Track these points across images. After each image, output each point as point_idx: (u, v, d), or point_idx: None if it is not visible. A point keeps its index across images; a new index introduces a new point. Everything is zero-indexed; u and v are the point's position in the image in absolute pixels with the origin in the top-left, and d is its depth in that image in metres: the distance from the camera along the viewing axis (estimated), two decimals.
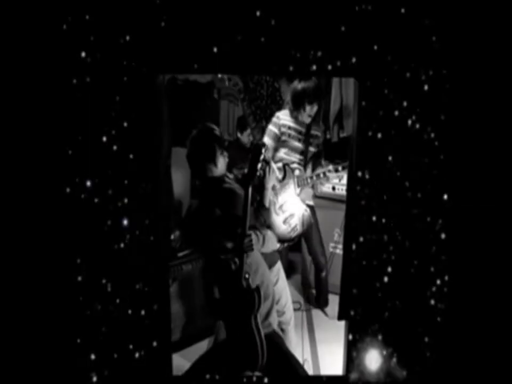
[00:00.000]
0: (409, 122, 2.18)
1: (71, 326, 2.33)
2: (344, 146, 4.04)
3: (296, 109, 3.62)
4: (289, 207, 3.53)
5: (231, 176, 2.94)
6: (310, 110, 3.62)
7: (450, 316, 2.36)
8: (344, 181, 4.15)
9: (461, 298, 2.35)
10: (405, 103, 2.16)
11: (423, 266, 2.33)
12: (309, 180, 3.58)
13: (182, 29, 2.11)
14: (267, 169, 2.78)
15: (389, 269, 2.33)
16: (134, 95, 2.17)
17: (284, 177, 3.57)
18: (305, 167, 3.69)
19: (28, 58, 2.18)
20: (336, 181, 4.22)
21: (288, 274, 4.54)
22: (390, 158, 2.23)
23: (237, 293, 2.56)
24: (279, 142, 3.69)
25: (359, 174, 2.25)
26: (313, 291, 4.34)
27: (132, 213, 2.29)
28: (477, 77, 2.15)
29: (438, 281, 2.34)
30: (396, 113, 2.18)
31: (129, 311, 2.36)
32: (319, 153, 3.77)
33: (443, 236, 2.30)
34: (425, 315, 2.38)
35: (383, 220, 2.30)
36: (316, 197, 4.09)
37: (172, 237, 3.74)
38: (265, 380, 2.58)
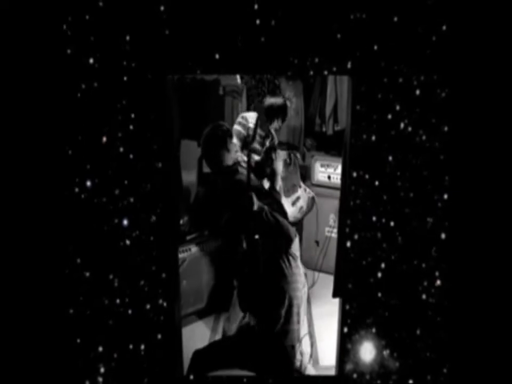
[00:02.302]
0: (402, 125, 2.19)
1: (80, 319, 2.35)
2: (339, 139, 4.12)
3: (268, 120, 3.88)
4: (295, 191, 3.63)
5: (243, 164, 3.11)
6: (276, 123, 3.93)
7: (442, 310, 2.36)
8: (339, 170, 4.23)
9: (454, 293, 2.35)
10: (397, 107, 2.18)
11: (416, 262, 2.34)
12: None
13: (188, 34, 2.13)
14: (274, 155, 2.95)
15: (382, 265, 2.35)
16: (145, 94, 2.19)
17: (289, 164, 3.67)
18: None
19: (31, 58, 2.16)
20: (332, 170, 4.30)
21: None
22: (383, 159, 2.24)
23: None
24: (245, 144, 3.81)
25: (354, 174, 2.27)
26: None
27: (142, 206, 2.30)
28: (470, 80, 2.16)
29: (432, 277, 2.35)
30: (389, 116, 2.18)
31: (136, 306, 2.37)
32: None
33: (434, 230, 2.30)
34: (418, 309, 2.39)
35: (376, 212, 2.31)
36: (312, 184, 4.19)
37: (181, 221, 3.83)
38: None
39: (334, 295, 2.98)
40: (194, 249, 3.73)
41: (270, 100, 3.95)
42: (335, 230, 4.25)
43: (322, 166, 4.33)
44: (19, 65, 2.17)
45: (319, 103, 4.71)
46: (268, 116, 3.91)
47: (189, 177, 4.30)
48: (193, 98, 4.39)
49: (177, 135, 4.15)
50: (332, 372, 2.62)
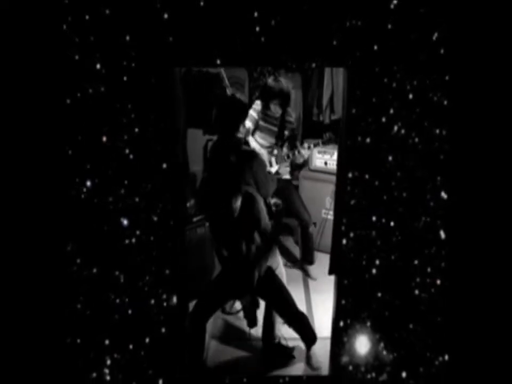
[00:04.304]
0: (396, 128, 2.18)
1: (87, 315, 2.33)
2: (335, 127, 4.17)
3: (264, 105, 3.82)
4: None
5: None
6: (274, 108, 3.78)
7: (436, 305, 2.34)
8: (335, 156, 4.29)
9: (447, 289, 2.33)
10: (391, 110, 2.16)
11: (410, 259, 2.32)
12: (285, 158, 3.86)
13: (194, 29, 2.09)
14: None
15: (377, 262, 2.34)
16: (153, 85, 2.15)
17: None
18: (282, 146, 3.91)
19: (33, 58, 2.08)
20: (328, 156, 4.37)
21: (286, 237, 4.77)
22: (378, 159, 2.23)
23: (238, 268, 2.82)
24: (258, 126, 3.87)
25: (350, 175, 2.25)
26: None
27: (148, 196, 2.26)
28: (463, 83, 2.13)
29: (425, 273, 2.33)
30: (384, 119, 2.17)
31: (144, 301, 2.36)
32: (294, 136, 3.97)
33: (427, 229, 2.28)
34: (411, 304, 2.36)
35: (371, 209, 2.29)
36: (310, 170, 4.26)
37: (188, 204, 3.90)
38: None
39: (330, 272, 3.05)
40: (199, 230, 3.82)
41: (270, 83, 3.79)
42: (331, 212, 4.33)
43: (319, 153, 4.42)
44: (18, 65, 2.10)
45: (316, 94, 4.78)
46: (262, 96, 3.82)
47: (195, 163, 4.37)
48: (199, 89, 4.45)
49: (184, 124, 4.22)
50: (327, 344, 2.66)
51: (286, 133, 3.90)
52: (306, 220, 4.06)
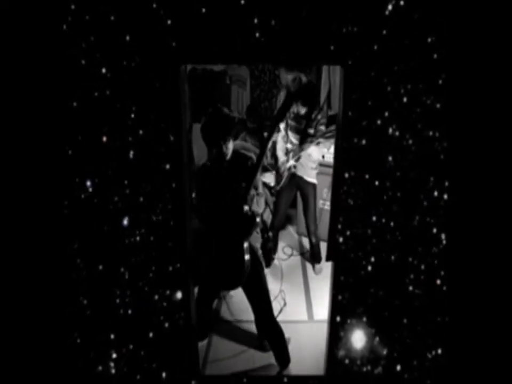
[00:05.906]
0: (390, 130, 2.19)
1: (93, 310, 2.36)
2: (332, 122, 4.26)
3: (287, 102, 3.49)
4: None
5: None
6: (296, 108, 3.59)
7: (430, 301, 2.36)
8: (332, 150, 4.38)
9: (440, 286, 2.33)
10: (386, 113, 2.17)
11: (404, 256, 2.33)
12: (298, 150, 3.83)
13: (197, 29, 2.09)
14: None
15: (372, 259, 2.35)
16: (160, 83, 2.14)
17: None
18: (301, 144, 3.84)
19: (34, 58, 2.05)
20: (325, 150, 4.46)
21: (286, 226, 4.88)
22: (375, 160, 2.24)
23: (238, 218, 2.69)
24: (288, 124, 3.78)
25: (346, 175, 2.25)
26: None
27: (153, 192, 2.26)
28: (455, 87, 2.13)
29: (418, 270, 2.34)
30: (379, 122, 2.18)
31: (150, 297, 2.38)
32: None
33: (421, 227, 2.29)
34: (405, 300, 2.37)
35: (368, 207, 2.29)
36: None
37: (193, 195, 3.99)
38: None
39: (328, 259, 3.16)
40: None
41: (285, 76, 3.47)
42: (328, 203, 4.44)
43: (317, 145, 4.48)
44: (18, 64, 2.06)
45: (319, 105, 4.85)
46: (288, 96, 3.33)
47: (201, 158, 4.46)
48: (203, 86, 4.54)
49: (189, 120, 4.31)
50: (324, 325, 2.69)
51: (310, 131, 3.71)
52: (311, 231, 4.06)
